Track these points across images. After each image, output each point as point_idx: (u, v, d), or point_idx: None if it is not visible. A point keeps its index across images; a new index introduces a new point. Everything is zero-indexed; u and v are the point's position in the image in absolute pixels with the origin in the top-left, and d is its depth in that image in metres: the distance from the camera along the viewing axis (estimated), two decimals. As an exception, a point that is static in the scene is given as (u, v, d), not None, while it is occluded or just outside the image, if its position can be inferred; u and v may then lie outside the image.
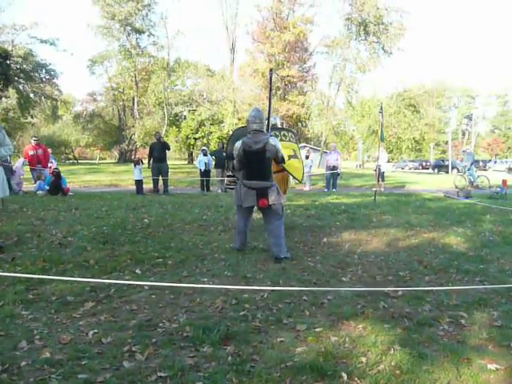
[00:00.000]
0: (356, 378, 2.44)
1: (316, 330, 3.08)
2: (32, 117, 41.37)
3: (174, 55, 42.58)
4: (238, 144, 5.17)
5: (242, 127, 6.25)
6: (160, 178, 13.75)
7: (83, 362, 2.58)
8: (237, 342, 2.89)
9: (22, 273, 4.25)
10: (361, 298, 3.77)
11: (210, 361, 2.63)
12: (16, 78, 36.54)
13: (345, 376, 2.45)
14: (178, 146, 46.43)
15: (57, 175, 12.45)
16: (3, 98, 33.24)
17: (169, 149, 14.23)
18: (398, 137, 51.53)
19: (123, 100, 44.78)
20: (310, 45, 40.66)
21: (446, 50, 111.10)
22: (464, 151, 19.60)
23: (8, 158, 12.21)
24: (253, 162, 5.12)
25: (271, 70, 5.99)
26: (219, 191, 15.01)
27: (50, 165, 13.91)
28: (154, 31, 40.68)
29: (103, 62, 43.83)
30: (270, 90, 5.80)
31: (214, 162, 15.87)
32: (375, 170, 16.08)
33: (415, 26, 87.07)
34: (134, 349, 2.76)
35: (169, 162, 14.64)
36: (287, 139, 6.46)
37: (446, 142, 48.75)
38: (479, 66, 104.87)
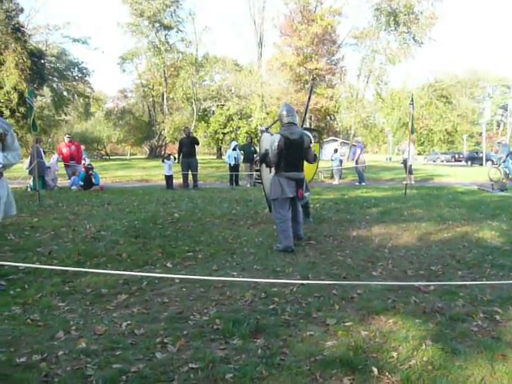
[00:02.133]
0: (387, 373, 2.42)
1: (346, 324, 3.07)
2: (66, 114, 42.51)
3: (202, 50, 42.82)
4: (277, 137, 5.31)
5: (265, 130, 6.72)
6: (189, 172, 13.90)
7: (117, 353, 2.66)
8: (266, 335, 2.91)
9: (58, 266, 4.40)
10: (391, 292, 3.72)
11: (240, 353, 2.66)
12: (50, 77, 37.62)
13: (375, 370, 2.43)
14: (206, 141, 46.75)
15: (89, 171, 12.79)
16: (38, 97, 34.23)
17: (198, 144, 14.36)
18: (429, 129, 50.43)
19: (153, 96, 45.40)
20: (339, 37, 40.11)
21: (480, 38, 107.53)
22: (499, 143, 18.99)
23: (43, 154, 12.62)
24: (291, 152, 5.33)
25: (314, 79, 6.63)
26: (248, 185, 15.06)
27: (83, 161, 14.30)
28: (182, 27, 41.00)
29: (133, 59, 44.59)
30: (310, 97, 6.82)
31: (242, 157, 15.93)
32: (402, 163, 15.79)
33: (447, 14, 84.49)
34: (165, 340, 2.82)
35: (198, 157, 14.78)
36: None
37: (480, 134, 47.20)
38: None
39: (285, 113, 5.49)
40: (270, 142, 5.41)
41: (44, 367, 2.48)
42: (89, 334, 2.93)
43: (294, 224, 5.63)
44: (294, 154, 5.36)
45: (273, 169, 5.56)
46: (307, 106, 6.14)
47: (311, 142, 5.54)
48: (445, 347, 2.69)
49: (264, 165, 5.83)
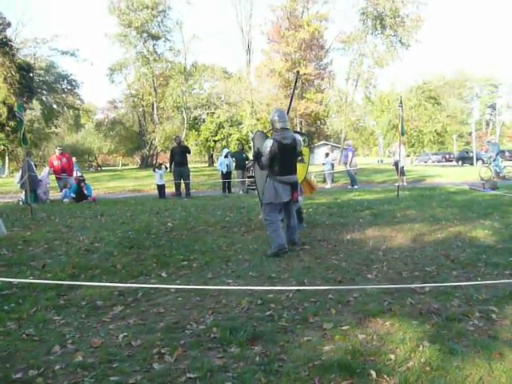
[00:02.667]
0: (385, 376, 2.42)
1: (343, 328, 3.07)
2: (56, 127, 42.38)
3: (191, 59, 42.90)
4: (270, 142, 5.40)
5: (260, 131, 6.83)
6: (182, 181, 13.89)
7: (114, 365, 2.64)
8: (264, 341, 2.90)
9: (53, 279, 4.37)
10: (387, 294, 3.73)
11: (238, 361, 2.65)
12: (39, 90, 37.55)
13: (373, 374, 2.43)
14: (198, 149, 46.72)
15: (80, 183, 12.73)
16: (28, 110, 34.08)
17: (189, 152, 14.38)
18: (419, 130, 50.67)
19: (143, 106, 45.37)
20: (326, 42, 40.37)
21: (466, 38, 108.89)
22: (489, 142, 19.15)
23: (34, 168, 12.55)
24: (285, 157, 5.43)
25: (298, 72, 6.63)
26: (240, 192, 15.06)
27: (74, 174, 14.25)
28: (170, 37, 41.14)
29: (122, 70, 44.56)
30: (294, 90, 6.47)
31: (234, 164, 15.94)
32: (394, 165, 15.88)
33: (433, 16, 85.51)
34: (163, 351, 2.81)
35: (190, 166, 14.77)
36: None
37: (470, 133, 47.61)
38: (501, 54, 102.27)
39: (277, 118, 5.60)
40: (262, 144, 5.52)
41: (41, 382, 2.46)
42: (85, 346, 2.91)
43: (288, 229, 5.73)
44: (287, 158, 5.48)
45: (265, 171, 5.66)
46: (291, 99, 6.40)
47: (301, 145, 5.72)
48: (442, 348, 2.70)
49: (257, 164, 5.84)
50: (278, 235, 5.41)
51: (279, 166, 5.43)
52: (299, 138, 5.71)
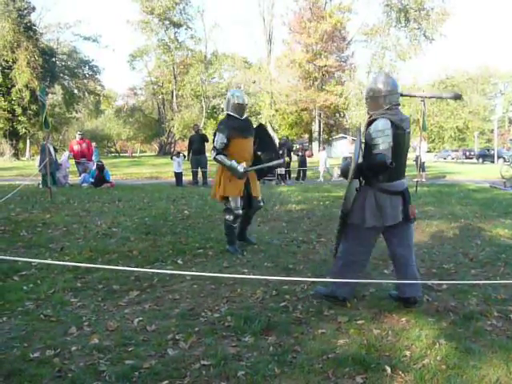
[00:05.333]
0: (400, 372, 2.40)
1: (358, 322, 3.05)
2: (76, 112, 42.98)
3: (212, 48, 42.96)
4: (387, 123, 3.17)
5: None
6: (199, 169, 13.92)
7: (130, 349, 2.67)
8: (278, 332, 2.90)
9: (70, 262, 4.43)
10: (403, 290, 3.68)
11: (252, 350, 2.65)
12: (61, 75, 38.01)
13: (388, 369, 2.41)
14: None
15: (100, 168, 12.87)
16: (50, 94, 34.54)
17: (207, 141, 14.36)
18: (440, 126, 49.88)
19: (162, 93, 45.62)
20: (348, 33, 39.89)
21: (492, 33, 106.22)
22: (511, 140, 18.72)
23: (53, 151, 12.71)
24: (401, 149, 3.30)
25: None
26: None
27: (93, 158, 14.41)
28: (191, 24, 41.28)
29: (143, 57, 44.85)
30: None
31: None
32: (415, 161, 15.65)
33: (458, 10, 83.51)
34: (177, 337, 2.83)
35: (207, 154, 14.79)
36: None
37: (492, 131, 46.65)
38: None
39: (387, 88, 3.29)
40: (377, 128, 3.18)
41: (57, 363, 2.50)
42: (101, 329, 2.95)
43: (401, 277, 3.41)
44: (402, 151, 3.34)
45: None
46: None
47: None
48: (459, 346, 2.66)
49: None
50: (350, 289, 3.42)
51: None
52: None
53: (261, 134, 5.28)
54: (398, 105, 3.36)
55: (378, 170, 3.19)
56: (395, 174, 3.26)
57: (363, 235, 3.36)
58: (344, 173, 3.52)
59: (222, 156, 4.86)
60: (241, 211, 5.02)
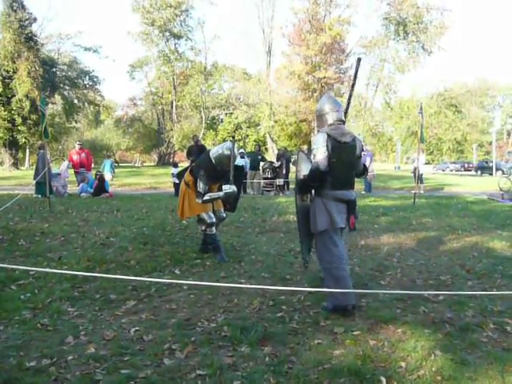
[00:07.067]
0: (395, 383, 2.41)
1: (354, 333, 3.06)
2: (76, 122, 43.09)
3: (211, 59, 43.21)
4: (323, 136, 3.60)
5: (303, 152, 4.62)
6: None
7: (126, 358, 2.67)
8: (274, 342, 2.91)
9: (68, 271, 4.43)
10: (400, 301, 3.70)
11: (248, 360, 2.66)
12: (61, 85, 38.19)
13: (384, 380, 2.42)
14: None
15: (100, 178, 12.91)
16: (50, 104, 34.68)
17: (206, 152, 14.42)
18: (438, 138, 50.11)
19: (162, 104, 45.78)
20: (347, 46, 40.13)
21: (490, 46, 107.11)
22: (509, 152, 18.85)
23: (49, 160, 12.75)
24: (342, 162, 3.62)
25: (359, 59, 4.15)
26: (254, 193, 15.07)
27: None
28: (191, 36, 41.48)
29: (143, 68, 45.11)
30: (355, 77, 4.13)
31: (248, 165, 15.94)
32: (413, 173, 15.71)
33: (457, 23, 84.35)
34: (173, 347, 2.84)
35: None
36: None
37: (490, 143, 46.84)
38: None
39: (328, 106, 3.79)
40: (317, 141, 3.68)
41: (53, 371, 2.51)
42: (98, 339, 2.95)
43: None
44: (344, 164, 3.66)
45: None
46: (353, 87, 4.29)
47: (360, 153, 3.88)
48: (454, 358, 2.67)
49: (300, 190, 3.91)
50: (343, 286, 3.52)
51: (333, 174, 3.58)
52: (359, 138, 4.04)
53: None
54: (342, 122, 3.78)
55: (316, 176, 3.63)
56: (338, 183, 3.66)
57: (325, 240, 3.68)
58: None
59: (207, 195, 5.07)
60: (214, 219, 5.23)
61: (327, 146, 3.56)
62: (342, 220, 3.64)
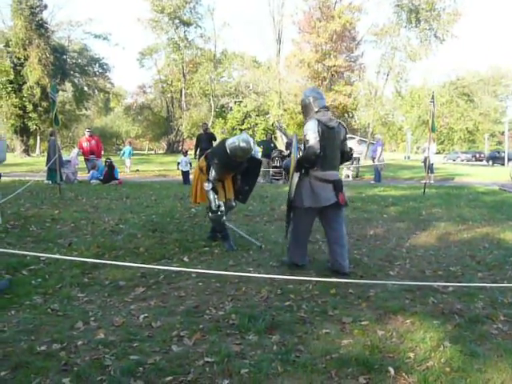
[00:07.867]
0: (403, 374, 2.40)
1: (362, 323, 3.05)
2: (86, 109, 43.26)
3: (221, 47, 42.99)
4: (313, 122, 4.06)
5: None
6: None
7: (135, 344, 2.69)
8: (282, 331, 2.91)
9: (78, 257, 4.47)
10: (409, 292, 3.68)
11: (256, 349, 2.67)
12: (72, 72, 38.28)
13: (392, 371, 2.41)
14: (224, 137, 46.97)
15: (110, 166, 12.97)
16: (60, 92, 34.80)
17: (215, 140, 14.38)
18: (449, 127, 49.49)
19: (171, 92, 45.70)
20: (358, 33, 39.60)
21: (503, 34, 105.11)
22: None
23: (60, 147, 12.84)
24: (329, 145, 4.11)
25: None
26: (262, 181, 15.04)
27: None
28: (201, 23, 41.23)
29: (152, 55, 44.97)
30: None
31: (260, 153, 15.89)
32: (423, 162, 15.54)
33: (470, 10, 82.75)
34: (182, 334, 2.85)
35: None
36: None
37: (502, 133, 46.19)
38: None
39: (314, 95, 4.31)
40: (309, 127, 4.12)
41: (63, 356, 2.53)
42: (107, 325, 2.98)
43: (332, 250, 4.27)
44: (331, 147, 4.14)
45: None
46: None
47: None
48: (463, 349, 2.65)
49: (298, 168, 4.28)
50: (297, 252, 4.34)
51: (323, 156, 4.04)
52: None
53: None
54: (326, 108, 4.27)
55: (310, 159, 4.06)
56: (327, 164, 4.15)
57: (303, 216, 4.22)
58: (286, 169, 4.98)
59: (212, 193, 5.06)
60: (223, 207, 5.20)
61: (318, 131, 4.01)
62: (328, 198, 4.10)
